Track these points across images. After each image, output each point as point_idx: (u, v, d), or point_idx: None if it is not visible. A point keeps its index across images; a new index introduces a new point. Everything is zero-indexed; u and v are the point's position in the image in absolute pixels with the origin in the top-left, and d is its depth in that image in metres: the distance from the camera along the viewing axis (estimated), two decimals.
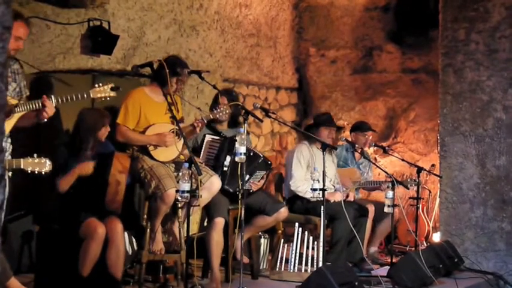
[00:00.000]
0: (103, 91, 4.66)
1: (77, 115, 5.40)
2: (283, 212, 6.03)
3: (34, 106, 4.35)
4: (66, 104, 4.52)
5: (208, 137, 5.95)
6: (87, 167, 5.13)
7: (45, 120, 4.40)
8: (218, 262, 5.71)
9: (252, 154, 5.84)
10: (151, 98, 5.67)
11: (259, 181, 6.04)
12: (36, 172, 4.32)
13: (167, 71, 5.43)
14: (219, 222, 5.65)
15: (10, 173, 4.23)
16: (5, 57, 2.02)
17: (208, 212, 5.73)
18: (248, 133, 5.93)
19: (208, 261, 5.76)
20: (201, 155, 5.89)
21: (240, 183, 5.10)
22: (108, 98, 4.70)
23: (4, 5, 1.95)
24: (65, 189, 5.11)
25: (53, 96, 4.39)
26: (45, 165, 4.34)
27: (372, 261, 7.25)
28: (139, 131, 5.61)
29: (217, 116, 5.73)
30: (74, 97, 4.48)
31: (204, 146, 5.92)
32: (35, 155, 4.32)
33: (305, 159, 6.71)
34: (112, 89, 4.68)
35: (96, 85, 4.68)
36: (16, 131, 4.46)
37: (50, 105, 4.35)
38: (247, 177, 5.58)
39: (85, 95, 4.55)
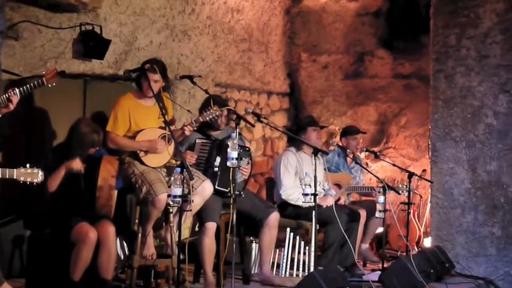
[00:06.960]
0: (54, 76, 4.81)
1: (73, 123, 5.41)
2: (274, 216, 6.03)
3: (2, 101, 4.50)
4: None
5: (198, 141, 5.97)
6: (74, 164, 5.15)
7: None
8: (211, 267, 5.71)
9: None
10: (140, 103, 5.68)
11: (246, 165, 5.99)
12: (28, 182, 4.36)
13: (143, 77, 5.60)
14: (211, 227, 5.65)
15: None
16: None
17: (200, 216, 5.73)
18: (240, 134, 5.94)
19: (201, 266, 5.75)
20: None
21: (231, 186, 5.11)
22: (54, 84, 4.85)
23: None
24: (54, 188, 5.11)
25: (16, 89, 4.55)
26: (37, 176, 4.38)
27: (364, 258, 7.30)
28: (129, 136, 5.61)
29: (207, 118, 5.70)
30: (32, 85, 4.66)
31: (195, 149, 5.93)
32: (28, 165, 4.35)
33: (292, 166, 6.69)
34: (58, 73, 4.87)
35: (44, 72, 4.82)
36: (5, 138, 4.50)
37: (15, 99, 4.53)
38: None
39: (40, 82, 4.70)
